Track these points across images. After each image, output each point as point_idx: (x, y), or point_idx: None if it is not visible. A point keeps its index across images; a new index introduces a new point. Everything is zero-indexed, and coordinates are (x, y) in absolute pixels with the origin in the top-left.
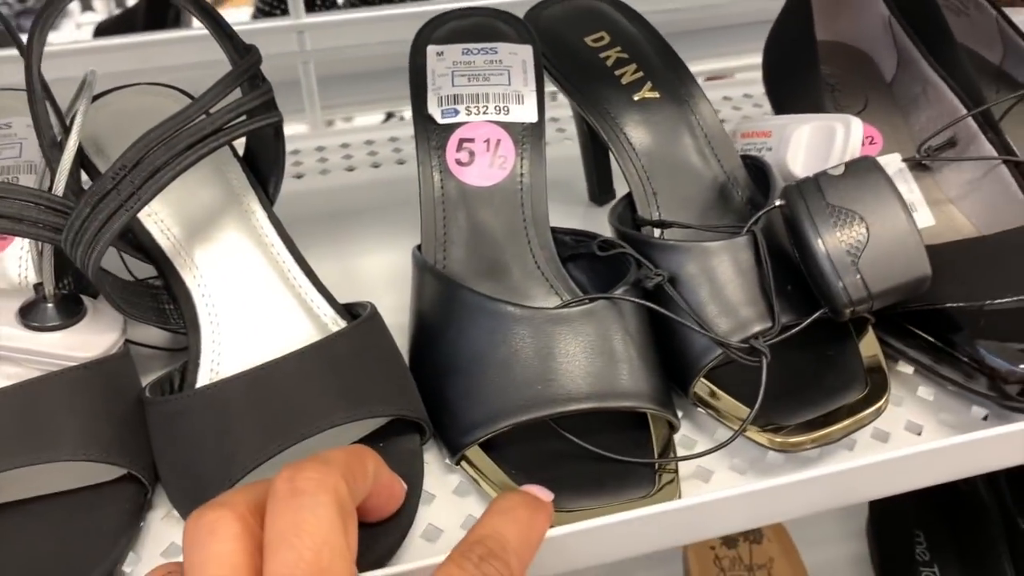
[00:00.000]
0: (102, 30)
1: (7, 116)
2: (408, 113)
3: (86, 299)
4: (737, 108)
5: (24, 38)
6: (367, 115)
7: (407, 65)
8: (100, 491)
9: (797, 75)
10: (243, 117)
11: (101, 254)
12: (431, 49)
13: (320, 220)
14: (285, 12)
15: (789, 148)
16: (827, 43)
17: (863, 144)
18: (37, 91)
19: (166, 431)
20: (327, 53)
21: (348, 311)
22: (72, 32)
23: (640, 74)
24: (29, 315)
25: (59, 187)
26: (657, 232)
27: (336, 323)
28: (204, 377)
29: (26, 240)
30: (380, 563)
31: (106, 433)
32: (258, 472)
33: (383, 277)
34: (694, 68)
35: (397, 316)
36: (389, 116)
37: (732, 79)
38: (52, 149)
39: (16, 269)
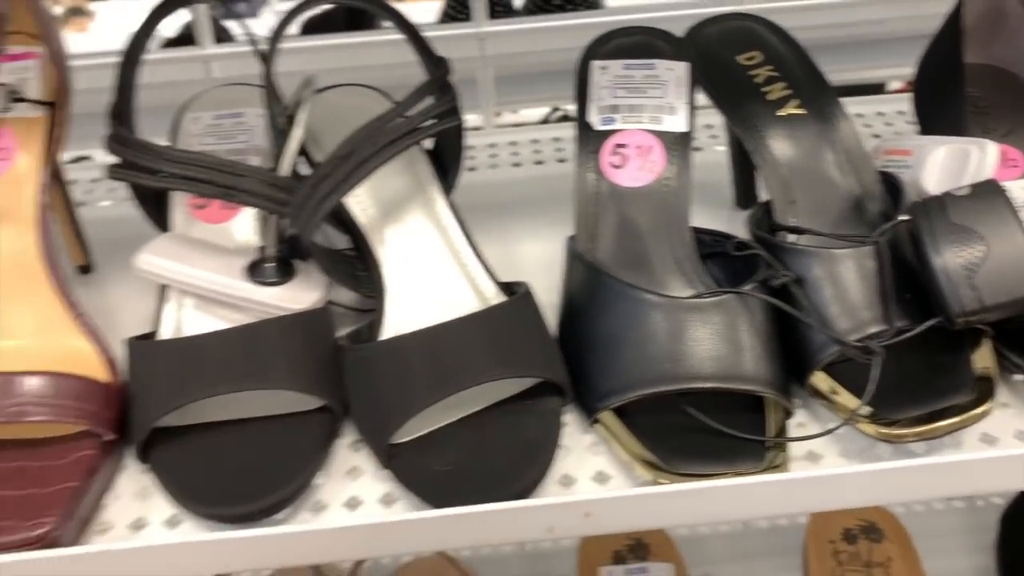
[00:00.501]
0: (309, 28)
1: (239, 107)
2: (571, 109)
3: (296, 262)
4: (889, 124)
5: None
6: (534, 110)
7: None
8: (300, 418)
9: (943, 96)
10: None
11: (318, 225)
12: (595, 63)
13: (487, 209)
14: (468, 17)
15: (925, 168)
16: (980, 66)
17: (1006, 166)
18: (271, 90)
19: (358, 373)
20: (504, 58)
21: (507, 288)
22: (270, 19)
23: (788, 91)
24: (254, 272)
25: (285, 169)
26: (792, 238)
27: (496, 297)
28: (388, 332)
29: (252, 209)
30: (523, 496)
31: (309, 370)
32: (427, 413)
33: (538, 262)
34: (847, 78)
35: (547, 296)
36: (554, 110)
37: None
38: (279, 138)
39: (242, 234)
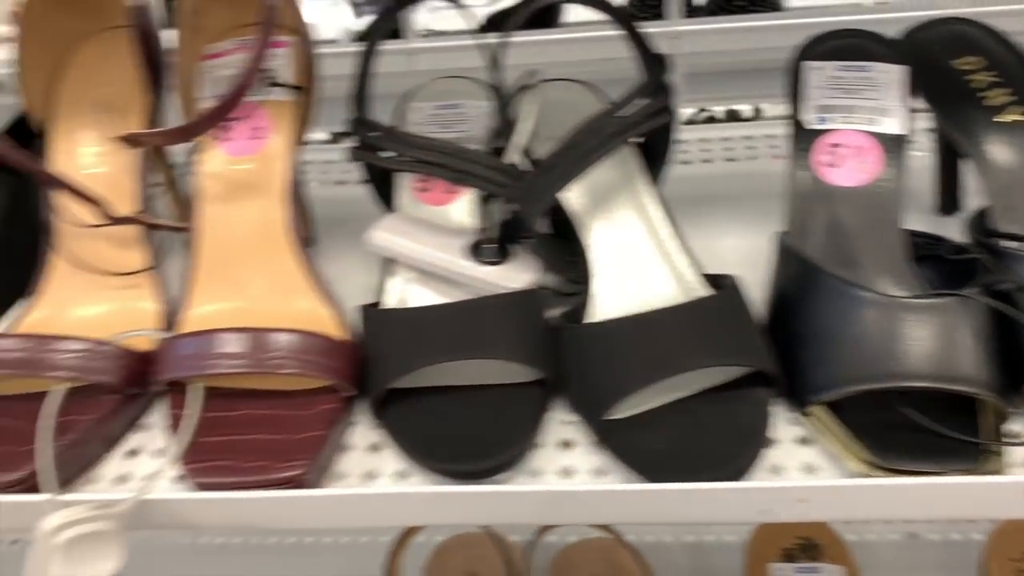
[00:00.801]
0: (492, 24)
1: (458, 99)
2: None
3: (511, 245)
4: None
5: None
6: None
7: (763, 67)
8: (516, 389)
9: None
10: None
11: (544, 208)
12: (810, 64)
13: (685, 203)
14: (655, 16)
15: None
16: None
17: None
18: (498, 83)
19: (576, 350)
20: (697, 57)
21: (710, 280)
22: (424, 16)
23: (1012, 98)
24: (475, 252)
25: (512, 157)
26: (1010, 244)
27: (699, 288)
28: (596, 315)
29: (469, 194)
30: (735, 478)
31: (528, 345)
32: (640, 394)
33: (737, 256)
34: None
35: (748, 291)
36: (700, 111)
37: None
38: (506, 127)
39: (459, 216)
